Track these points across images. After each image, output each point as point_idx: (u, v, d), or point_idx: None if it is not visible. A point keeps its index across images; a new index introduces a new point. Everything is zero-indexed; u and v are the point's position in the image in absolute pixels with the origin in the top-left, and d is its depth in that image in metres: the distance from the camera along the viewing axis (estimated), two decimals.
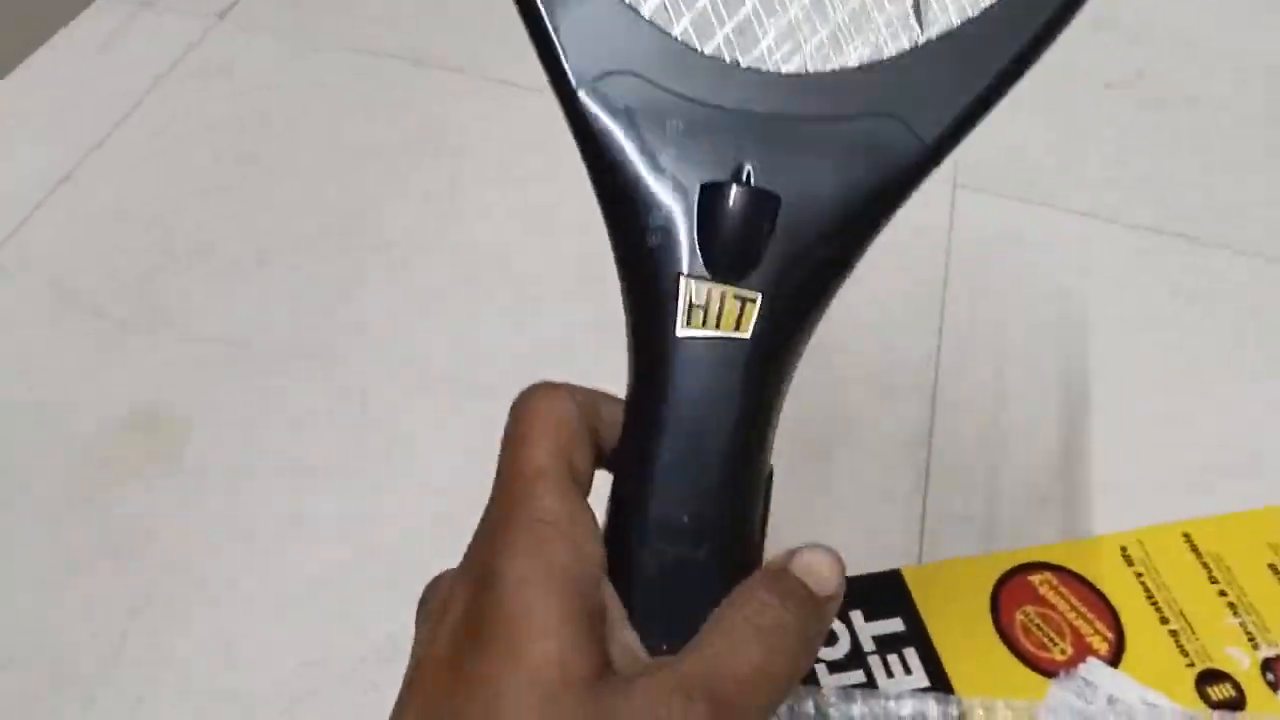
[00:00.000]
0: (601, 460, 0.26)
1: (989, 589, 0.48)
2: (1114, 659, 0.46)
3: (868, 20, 0.28)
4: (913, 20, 0.27)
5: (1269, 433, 0.58)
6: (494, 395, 0.28)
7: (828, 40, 0.27)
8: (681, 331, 0.25)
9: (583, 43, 0.27)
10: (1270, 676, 0.46)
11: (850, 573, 0.49)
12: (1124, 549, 0.50)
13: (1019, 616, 0.47)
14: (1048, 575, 0.48)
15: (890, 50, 0.27)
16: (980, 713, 0.43)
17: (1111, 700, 0.44)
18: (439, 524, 0.50)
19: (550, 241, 0.65)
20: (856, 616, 0.46)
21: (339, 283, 0.62)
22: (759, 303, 0.25)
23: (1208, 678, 0.46)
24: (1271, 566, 0.50)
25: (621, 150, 0.26)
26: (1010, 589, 0.48)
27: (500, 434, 0.26)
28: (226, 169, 0.69)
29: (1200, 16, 0.86)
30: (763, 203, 0.26)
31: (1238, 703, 0.45)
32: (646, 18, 0.27)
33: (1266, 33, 0.85)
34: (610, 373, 0.28)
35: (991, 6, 0.26)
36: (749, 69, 0.27)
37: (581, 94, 0.27)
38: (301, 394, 0.57)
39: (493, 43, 0.76)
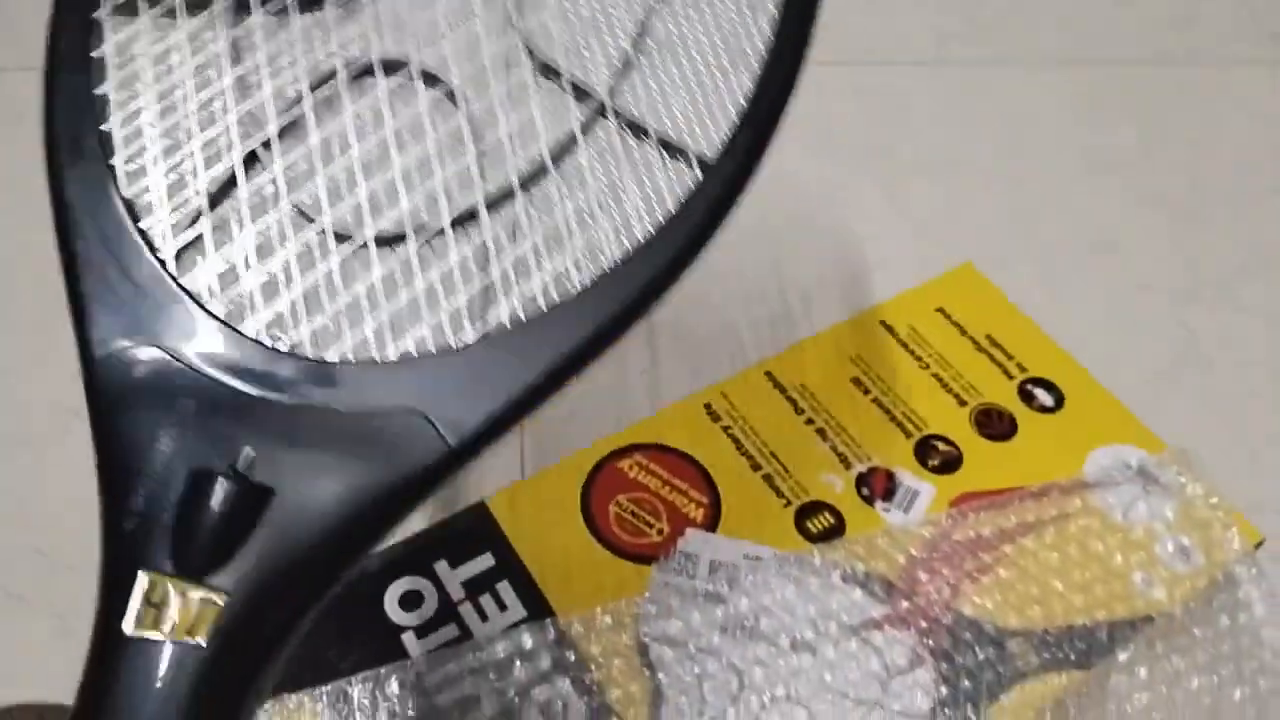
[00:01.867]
0: None
1: (578, 491, 0.45)
2: (712, 524, 0.44)
3: (415, 314, 0.27)
4: (465, 319, 0.26)
5: (837, 243, 0.58)
6: None
7: (371, 330, 0.27)
8: (131, 630, 0.23)
9: (113, 307, 0.26)
10: (865, 491, 0.45)
11: (436, 517, 0.45)
12: (708, 405, 0.48)
13: (611, 509, 0.44)
14: (636, 457, 0.46)
15: (432, 346, 0.26)
16: (578, 628, 0.40)
17: (713, 566, 0.43)
18: None
19: None
20: (441, 567, 0.42)
21: None
22: (223, 607, 0.24)
23: (806, 512, 0.44)
24: (855, 381, 0.49)
25: (125, 424, 0.25)
26: (599, 484, 0.45)
27: None
28: None
29: None
30: (248, 496, 0.24)
31: (837, 529, 0.44)
32: (189, 290, 0.26)
33: None
34: None
35: (542, 315, 0.26)
36: (284, 353, 0.26)
37: (99, 360, 0.26)
38: None
39: None
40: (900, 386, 0.49)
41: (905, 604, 0.42)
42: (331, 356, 0.26)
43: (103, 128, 0.28)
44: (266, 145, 0.29)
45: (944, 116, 0.65)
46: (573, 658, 0.40)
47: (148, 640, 0.23)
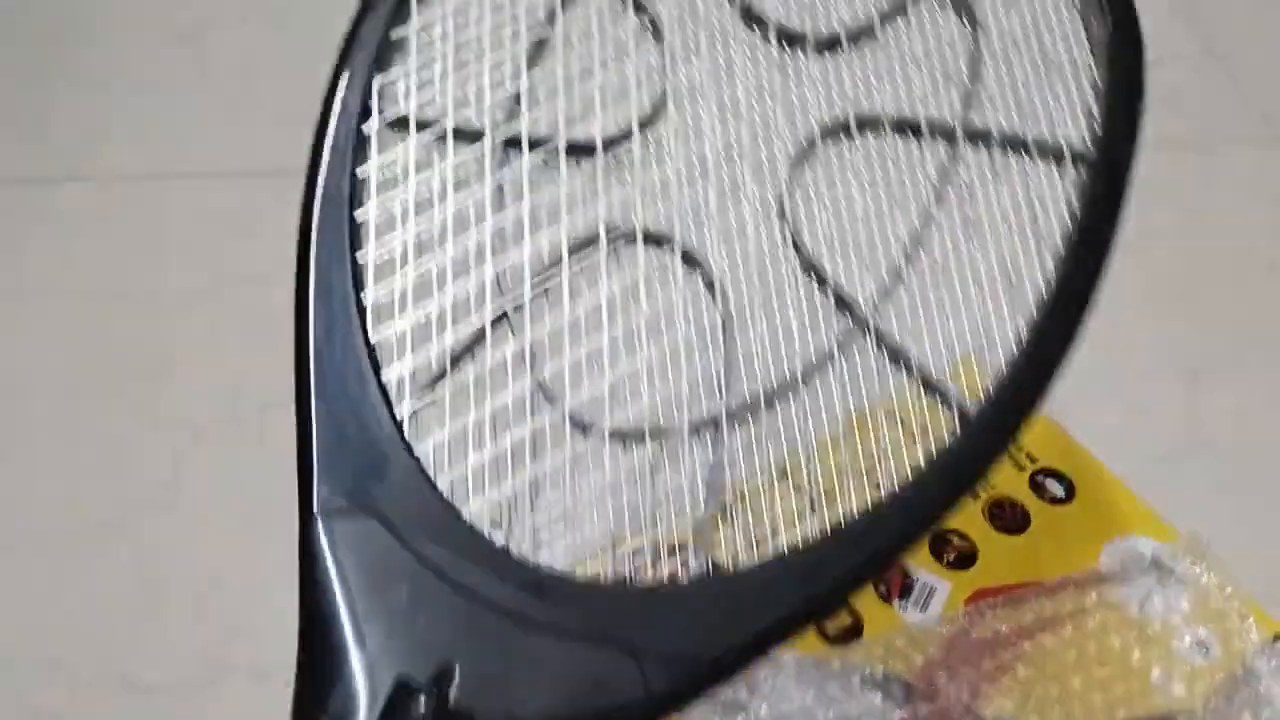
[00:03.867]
0: None
1: None
2: None
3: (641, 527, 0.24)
4: (692, 552, 0.24)
5: None
6: None
7: (601, 541, 0.24)
8: None
9: (342, 462, 0.24)
10: (881, 589, 0.45)
11: None
12: None
13: None
14: None
15: (649, 578, 0.24)
16: None
17: None
18: None
19: None
20: None
21: None
22: None
23: None
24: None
25: (335, 603, 0.23)
26: None
27: None
28: None
29: None
30: (443, 717, 0.22)
31: (855, 629, 0.44)
32: (417, 457, 0.24)
33: None
34: None
35: (773, 561, 0.23)
36: (501, 548, 0.24)
37: (319, 522, 0.23)
38: None
39: None
40: None
41: (926, 707, 0.42)
42: (552, 564, 0.23)
43: (358, 256, 0.25)
44: (518, 309, 0.26)
45: None
46: None
47: None
